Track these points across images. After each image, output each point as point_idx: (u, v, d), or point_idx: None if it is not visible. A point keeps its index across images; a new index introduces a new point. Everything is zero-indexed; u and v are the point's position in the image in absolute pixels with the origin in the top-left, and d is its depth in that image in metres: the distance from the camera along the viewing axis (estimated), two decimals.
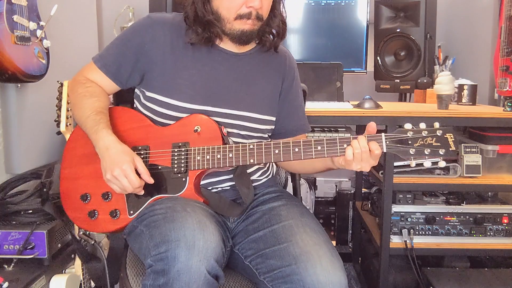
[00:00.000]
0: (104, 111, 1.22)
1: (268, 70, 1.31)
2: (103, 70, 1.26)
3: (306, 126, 1.40)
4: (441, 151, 1.06)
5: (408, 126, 1.08)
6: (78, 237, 1.40)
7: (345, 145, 1.09)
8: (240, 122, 1.26)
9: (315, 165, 1.29)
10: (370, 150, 1.07)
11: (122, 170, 1.09)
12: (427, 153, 1.07)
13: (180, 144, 1.18)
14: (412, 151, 1.07)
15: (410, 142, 1.07)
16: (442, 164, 1.08)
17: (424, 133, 1.07)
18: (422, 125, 1.08)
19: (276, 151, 1.12)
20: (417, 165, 1.11)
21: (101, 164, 1.14)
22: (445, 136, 1.07)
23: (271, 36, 1.27)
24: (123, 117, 1.26)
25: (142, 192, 1.15)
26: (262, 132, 1.30)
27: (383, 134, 1.08)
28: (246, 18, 1.17)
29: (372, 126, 1.10)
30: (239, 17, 1.17)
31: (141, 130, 1.23)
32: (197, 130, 1.19)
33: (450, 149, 1.06)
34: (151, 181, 1.14)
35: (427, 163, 1.08)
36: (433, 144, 1.07)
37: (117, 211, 1.19)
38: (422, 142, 1.07)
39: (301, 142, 1.11)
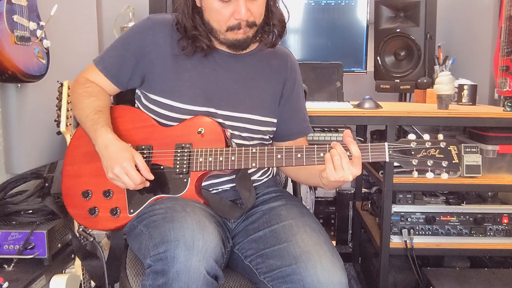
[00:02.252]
0: (103, 109, 1.22)
1: (269, 72, 1.31)
2: (104, 72, 1.27)
3: (307, 129, 1.39)
4: (444, 163, 1.06)
5: (411, 136, 1.08)
6: (77, 234, 1.40)
7: (321, 154, 1.09)
8: (240, 124, 1.25)
9: (309, 180, 1.29)
10: (350, 154, 1.05)
11: (123, 168, 1.10)
12: (430, 165, 1.06)
13: (183, 145, 1.18)
14: (414, 161, 1.06)
15: (413, 152, 1.07)
16: (445, 176, 1.07)
17: (428, 145, 1.07)
18: (426, 136, 1.08)
19: (279, 156, 1.12)
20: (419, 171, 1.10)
21: (102, 162, 1.14)
22: (448, 148, 1.06)
23: (270, 36, 1.26)
24: (127, 116, 1.27)
25: (147, 184, 1.15)
26: (263, 134, 1.30)
27: (386, 143, 1.07)
28: (236, 29, 1.16)
29: (347, 135, 1.08)
30: (229, 28, 1.16)
31: (145, 129, 1.23)
32: (200, 132, 1.19)
33: (453, 161, 1.06)
34: (151, 177, 1.14)
35: (430, 175, 1.07)
36: (436, 155, 1.06)
37: (117, 209, 1.19)
38: (425, 153, 1.06)
39: (304, 148, 1.11)
